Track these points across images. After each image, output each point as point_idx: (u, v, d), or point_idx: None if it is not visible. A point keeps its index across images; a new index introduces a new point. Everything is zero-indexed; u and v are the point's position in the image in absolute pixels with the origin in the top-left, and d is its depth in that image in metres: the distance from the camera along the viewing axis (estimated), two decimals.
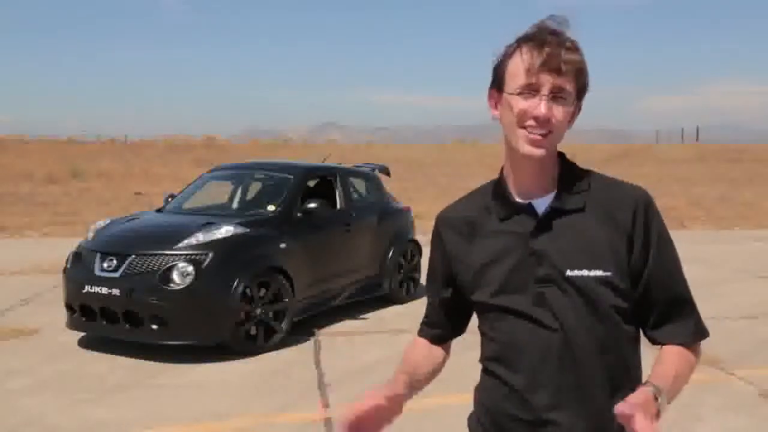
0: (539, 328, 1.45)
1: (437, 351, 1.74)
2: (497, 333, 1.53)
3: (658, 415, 1.34)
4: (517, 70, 1.41)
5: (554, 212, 1.46)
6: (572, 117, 1.47)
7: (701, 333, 1.50)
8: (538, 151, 1.42)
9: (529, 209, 1.49)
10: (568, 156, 1.55)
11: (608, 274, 1.41)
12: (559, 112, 1.40)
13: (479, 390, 1.63)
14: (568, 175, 1.50)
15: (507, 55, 1.45)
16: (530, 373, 1.46)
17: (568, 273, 1.42)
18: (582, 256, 1.42)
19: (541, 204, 1.48)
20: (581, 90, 1.45)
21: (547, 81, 1.39)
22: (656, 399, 1.33)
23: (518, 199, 1.50)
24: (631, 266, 1.43)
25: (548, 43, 1.39)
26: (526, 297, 1.46)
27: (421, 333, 1.75)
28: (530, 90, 1.40)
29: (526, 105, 1.40)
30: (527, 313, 1.46)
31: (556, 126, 1.41)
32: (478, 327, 1.62)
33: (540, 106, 1.39)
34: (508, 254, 1.48)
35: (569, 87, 1.40)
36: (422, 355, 1.73)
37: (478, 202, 1.58)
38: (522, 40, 1.43)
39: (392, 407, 1.55)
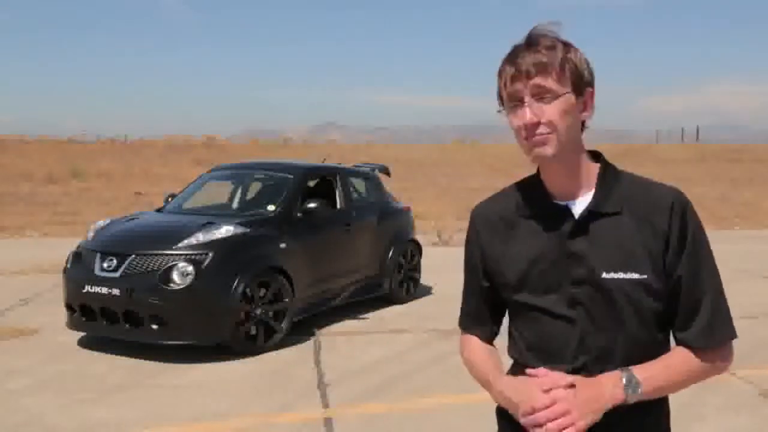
0: (573, 327, 1.46)
1: (494, 350, 1.68)
2: (530, 332, 1.55)
3: (620, 401, 1.39)
4: (502, 88, 1.46)
5: (591, 214, 1.47)
6: (585, 106, 1.47)
7: (710, 337, 1.47)
8: (545, 150, 1.43)
9: (566, 211, 1.49)
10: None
11: (644, 277, 1.42)
12: (549, 111, 1.41)
13: None
14: (606, 177, 1.50)
15: (498, 79, 1.49)
16: (562, 371, 1.46)
17: (604, 275, 1.43)
18: (619, 258, 1.43)
19: (579, 205, 1.49)
20: (576, 80, 1.43)
21: (524, 87, 1.42)
22: (624, 386, 1.39)
23: (556, 200, 1.51)
24: (667, 267, 1.44)
25: (521, 52, 1.43)
26: (561, 298, 1.47)
27: (471, 332, 1.70)
28: (516, 101, 1.44)
29: (518, 118, 1.43)
30: (562, 313, 1.47)
31: (552, 126, 1.41)
32: (509, 324, 1.62)
33: (525, 113, 1.41)
34: (544, 255, 1.49)
35: (550, 84, 1.41)
36: (494, 355, 1.67)
37: (515, 199, 1.58)
38: (503, 60, 1.47)
39: None
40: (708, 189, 23.62)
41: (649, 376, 1.41)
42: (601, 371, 1.43)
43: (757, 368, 5.55)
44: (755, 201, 21.25)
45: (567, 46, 1.44)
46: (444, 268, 9.69)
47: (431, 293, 8.49)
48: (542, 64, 1.40)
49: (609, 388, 1.39)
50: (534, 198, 1.54)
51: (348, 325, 7.08)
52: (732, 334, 1.49)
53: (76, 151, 29.88)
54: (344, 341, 6.48)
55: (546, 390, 1.39)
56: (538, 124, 1.41)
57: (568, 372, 1.45)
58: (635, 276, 1.42)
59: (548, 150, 1.42)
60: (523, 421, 1.41)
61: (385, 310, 7.72)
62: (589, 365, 1.45)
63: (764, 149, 37.07)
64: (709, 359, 1.47)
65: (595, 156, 1.54)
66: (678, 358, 1.46)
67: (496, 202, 1.63)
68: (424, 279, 8.60)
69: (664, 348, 1.49)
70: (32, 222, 15.01)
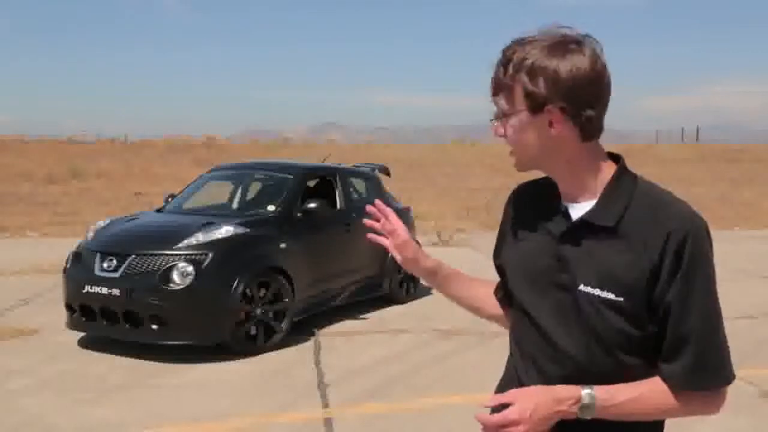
0: (546, 335, 1.44)
1: (493, 300, 1.72)
2: (515, 328, 1.56)
3: (572, 416, 1.35)
4: None
5: (583, 224, 1.42)
6: (552, 124, 1.37)
7: (692, 381, 1.36)
8: (517, 168, 1.49)
9: (564, 213, 1.46)
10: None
11: (620, 299, 1.35)
12: (506, 129, 1.44)
13: (501, 380, 1.63)
14: (616, 187, 1.42)
15: None
16: (529, 377, 1.46)
17: (581, 288, 1.39)
18: (598, 274, 1.37)
19: (578, 210, 1.44)
20: (531, 98, 1.36)
21: (493, 104, 1.46)
22: (580, 405, 1.35)
23: (562, 200, 1.48)
24: (654, 297, 1.35)
25: (496, 65, 1.44)
26: (542, 301, 1.45)
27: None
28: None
29: None
30: (539, 317, 1.46)
31: (512, 141, 1.44)
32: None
33: (493, 128, 1.47)
34: (538, 252, 1.48)
35: (503, 103, 1.42)
36: (483, 286, 1.76)
37: (540, 189, 1.56)
38: None
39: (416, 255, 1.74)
40: (708, 189, 23.61)
41: (610, 398, 1.35)
42: (572, 384, 1.38)
43: (757, 368, 5.54)
44: (755, 201, 21.23)
45: (523, 60, 1.36)
46: None
47: (431, 293, 8.48)
48: (495, 82, 1.43)
49: (564, 403, 1.35)
50: (549, 193, 1.51)
51: (348, 325, 7.07)
52: (721, 381, 1.38)
53: (76, 151, 29.87)
54: (344, 341, 6.48)
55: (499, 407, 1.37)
56: (505, 137, 1.45)
57: (540, 382, 1.42)
58: (610, 296, 1.35)
59: (517, 167, 1.49)
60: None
61: (385, 310, 7.72)
62: (560, 377, 1.40)
63: (764, 149, 37.05)
64: (689, 401, 1.38)
65: (615, 159, 1.47)
66: (653, 391, 1.38)
67: (530, 185, 1.62)
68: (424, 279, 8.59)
69: (642, 373, 1.40)
70: (32, 222, 15.00)
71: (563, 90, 1.35)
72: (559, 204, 1.48)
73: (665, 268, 1.33)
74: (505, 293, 1.66)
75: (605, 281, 1.37)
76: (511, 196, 1.64)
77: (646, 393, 1.37)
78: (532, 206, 1.54)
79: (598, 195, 1.42)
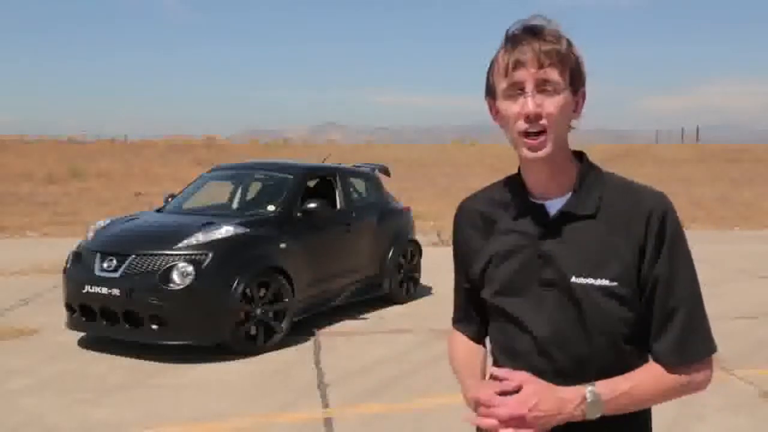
0: (537, 334, 1.43)
1: (477, 349, 1.65)
2: (497, 333, 1.54)
3: (579, 419, 1.34)
4: (500, 74, 1.40)
5: (564, 216, 1.43)
6: (576, 107, 1.42)
7: (682, 353, 1.39)
8: (540, 153, 1.38)
9: (541, 210, 1.46)
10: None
11: (614, 284, 1.37)
12: (549, 104, 1.36)
13: None
14: (586, 178, 1.45)
15: (491, 63, 1.44)
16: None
17: (573, 279, 1.39)
18: (588, 263, 1.38)
19: (555, 205, 1.45)
20: (575, 77, 1.39)
21: (528, 76, 1.35)
22: (587, 405, 1.33)
23: (533, 199, 1.47)
24: (642, 277, 1.39)
25: (524, 39, 1.37)
26: (528, 301, 1.44)
27: (458, 328, 1.68)
28: (515, 90, 1.38)
29: (515, 107, 1.38)
30: (527, 319, 1.44)
31: (551, 120, 1.36)
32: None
33: (527, 103, 1.35)
34: (516, 254, 1.46)
35: (555, 77, 1.35)
36: (473, 354, 1.65)
37: (497, 196, 1.55)
38: (502, 44, 1.42)
39: None
40: (708, 189, 23.61)
41: (613, 391, 1.35)
42: (569, 381, 1.37)
43: (757, 368, 5.55)
44: (755, 201, 21.23)
45: (568, 41, 1.39)
46: (444, 268, 9.68)
47: (431, 293, 8.49)
48: (548, 54, 1.35)
49: (569, 404, 1.34)
50: (514, 195, 1.51)
51: (348, 325, 7.08)
52: (708, 350, 1.41)
53: (76, 151, 29.88)
54: (344, 341, 6.48)
55: (500, 393, 1.35)
56: (539, 116, 1.36)
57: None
58: (605, 282, 1.37)
59: (544, 151, 1.38)
60: (478, 421, 1.37)
61: (385, 310, 7.72)
62: (556, 374, 1.39)
63: (764, 149, 37.07)
64: (683, 377, 1.40)
65: (579, 156, 1.50)
66: (649, 375, 1.39)
67: (479, 198, 1.60)
68: (424, 279, 8.60)
69: (637, 360, 1.42)
70: (32, 222, 15.00)
71: (585, 77, 1.43)
72: (529, 203, 1.48)
73: (650, 245, 1.38)
74: (478, 319, 1.63)
75: (597, 269, 1.38)
76: (459, 214, 1.61)
77: (643, 379, 1.39)
78: (494, 216, 1.53)
79: (571, 188, 1.45)
